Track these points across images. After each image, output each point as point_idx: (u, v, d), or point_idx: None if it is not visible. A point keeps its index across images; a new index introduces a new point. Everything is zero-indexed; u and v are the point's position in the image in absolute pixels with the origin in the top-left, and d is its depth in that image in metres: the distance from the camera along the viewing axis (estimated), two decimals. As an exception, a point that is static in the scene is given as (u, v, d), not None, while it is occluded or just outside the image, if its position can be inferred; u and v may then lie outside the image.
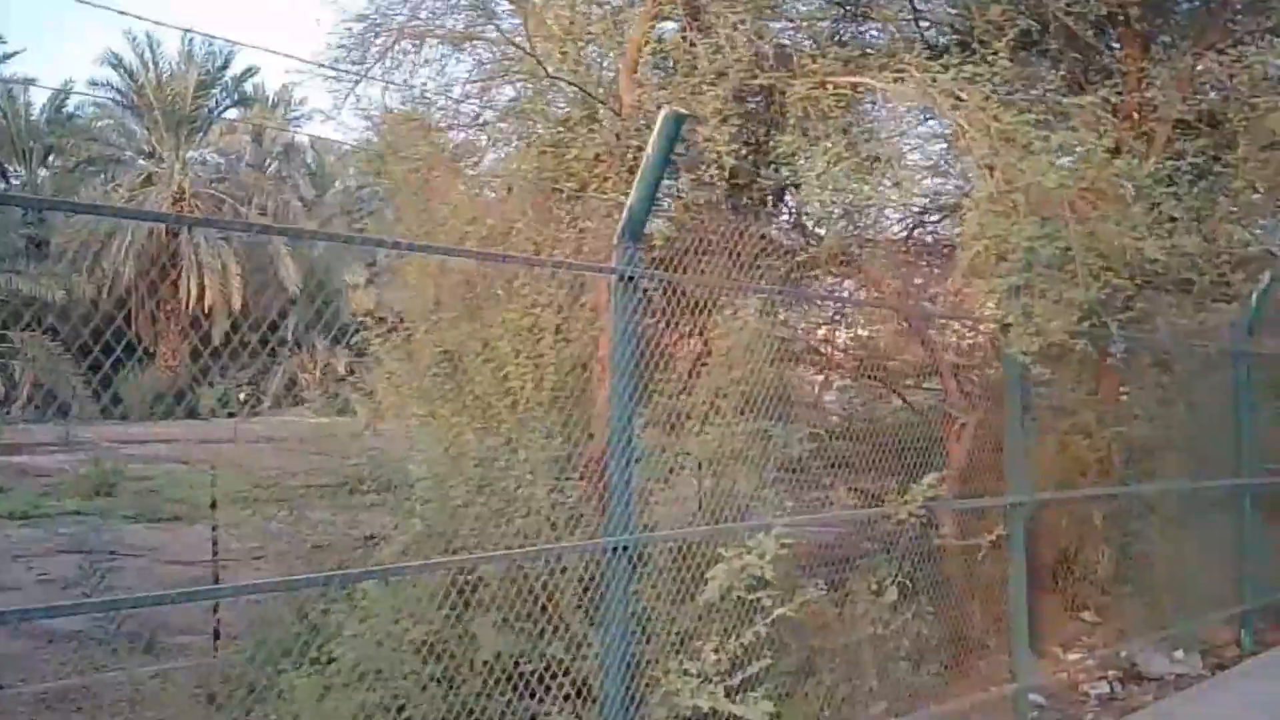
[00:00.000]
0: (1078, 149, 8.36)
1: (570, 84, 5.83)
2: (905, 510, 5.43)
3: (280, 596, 5.74)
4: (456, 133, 6.89)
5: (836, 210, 5.39)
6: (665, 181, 5.72)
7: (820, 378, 8.15)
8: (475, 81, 6.46)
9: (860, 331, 8.22)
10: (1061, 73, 11.14)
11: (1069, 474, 8.89)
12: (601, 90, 6.18)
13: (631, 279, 4.14)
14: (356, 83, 6.41)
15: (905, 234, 8.39)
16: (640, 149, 6.28)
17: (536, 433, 5.97)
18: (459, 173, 6.18)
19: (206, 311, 35.28)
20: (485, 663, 4.96)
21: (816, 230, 6.16)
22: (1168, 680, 8.51)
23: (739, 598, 4.41)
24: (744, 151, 5.83)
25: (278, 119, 40.21)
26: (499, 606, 5.00)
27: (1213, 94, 10.48)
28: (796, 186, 5.42)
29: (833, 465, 7.06)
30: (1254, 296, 8.99)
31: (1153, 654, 8.87)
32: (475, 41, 6.32)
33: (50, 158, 39.80)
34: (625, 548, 4.15)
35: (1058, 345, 6.51)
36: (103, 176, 37.95)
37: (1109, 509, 9.25)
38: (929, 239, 8.47)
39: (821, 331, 8.25)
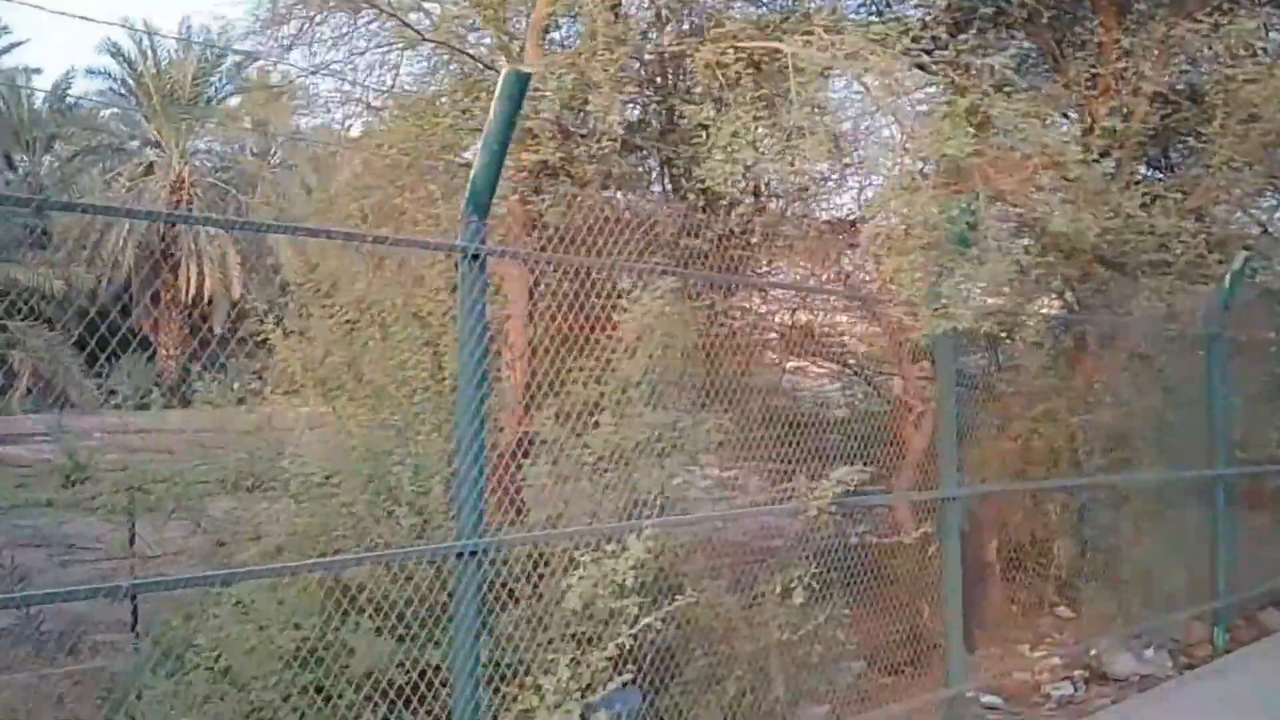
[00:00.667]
0: (1021, 125, 7.97)
1: (462, 53, 5.45)
2: (815, 505, 5.05)
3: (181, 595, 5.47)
4: (349, 107, 6.54)
5: (742, 184, 4.96)
6: (558, 154, 5.36)
7: (769, 364, 7.76)
8: (365, 53, 6.10)
9: (809, 316, 7.82)
10: (1027, 44, 10.78)
11: (1036, 464, 8.50)
12: (504, 63, 5.80)
13: (478, 257, 3.77)
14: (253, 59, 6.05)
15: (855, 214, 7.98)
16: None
17: (427, 425, 5.64)
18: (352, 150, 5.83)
19: (207, 301, 35.04)
20: (366, 673, 4.64)
21: (728, 207, 5.76)
22: (1132, 681, 8.12)
23: (607, 607, 4.05)
24: (652, 123, 5.44)
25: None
26: (378, 612, 4.66)
27: (1190, 67, 10.02)
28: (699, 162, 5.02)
29: (762, 456, 6.71)
30: (1228, 277, 8.53)
31: (1119, 653, 8.48)
32: (376, 11, 5.95)
33: (54, 145, 39.61)
34: (474, 552, 3.80)
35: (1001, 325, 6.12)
36: (101, 166, 37.71)
37: (1077, 501, 8.87)
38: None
39: (778, 317, 7.86)
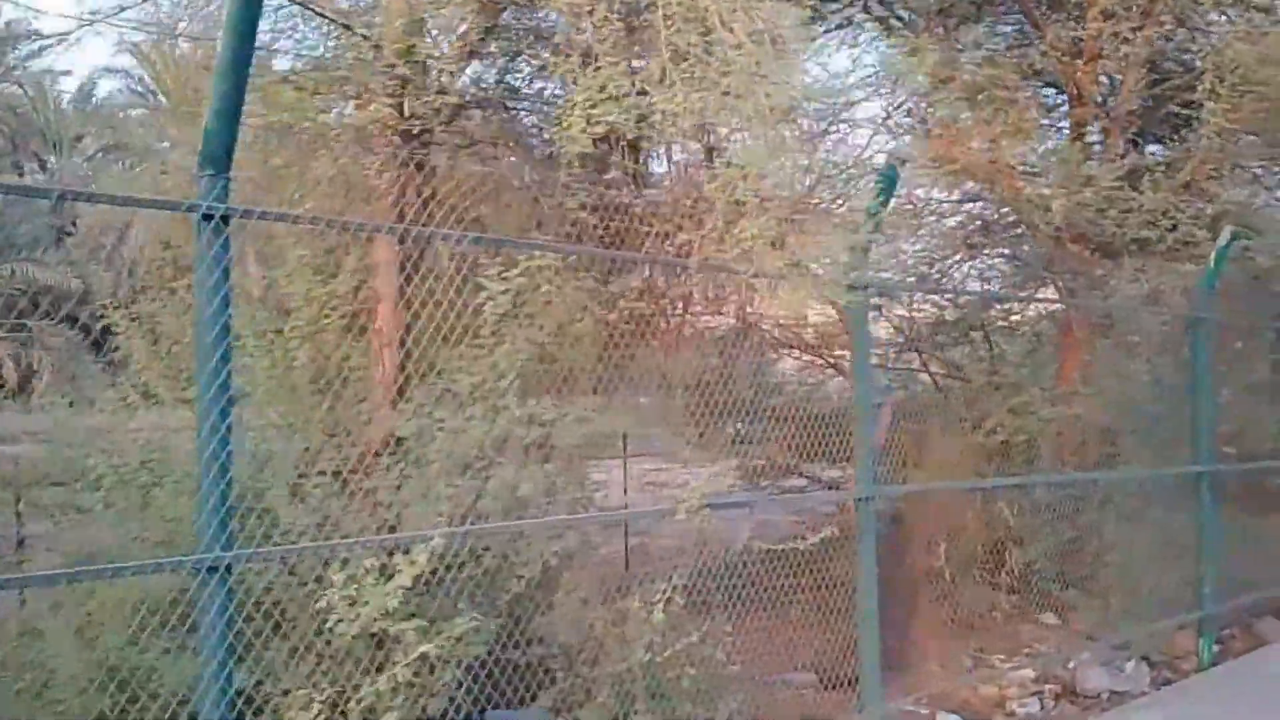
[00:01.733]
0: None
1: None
2: (683, 509, 4.42)
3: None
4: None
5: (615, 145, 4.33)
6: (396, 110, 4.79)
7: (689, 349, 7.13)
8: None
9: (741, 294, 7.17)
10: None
11: (996, 461, 7.80)
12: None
13: (213, 218, 3.20)
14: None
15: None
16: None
17: (268, 420, 5.10)
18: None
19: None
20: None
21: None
22: (1102, 698, 7.42)
23: (381, 630, 3.47)
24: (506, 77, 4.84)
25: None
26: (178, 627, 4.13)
27: (1179, 28, 9.25)
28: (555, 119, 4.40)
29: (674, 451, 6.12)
30: (1213, 255, 7.77)
31: (1091, 667, 7.78)
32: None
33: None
34: (214, 568, 3.23)
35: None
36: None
37: (1047, 500, 8.15)
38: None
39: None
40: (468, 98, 4.66)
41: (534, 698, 4.56)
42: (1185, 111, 9.29)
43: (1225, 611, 8.11)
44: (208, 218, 3.23)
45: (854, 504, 5.43)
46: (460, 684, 4.40)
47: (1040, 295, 9.62)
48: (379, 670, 3.52)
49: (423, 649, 3.49)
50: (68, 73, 39.06)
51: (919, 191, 9.36)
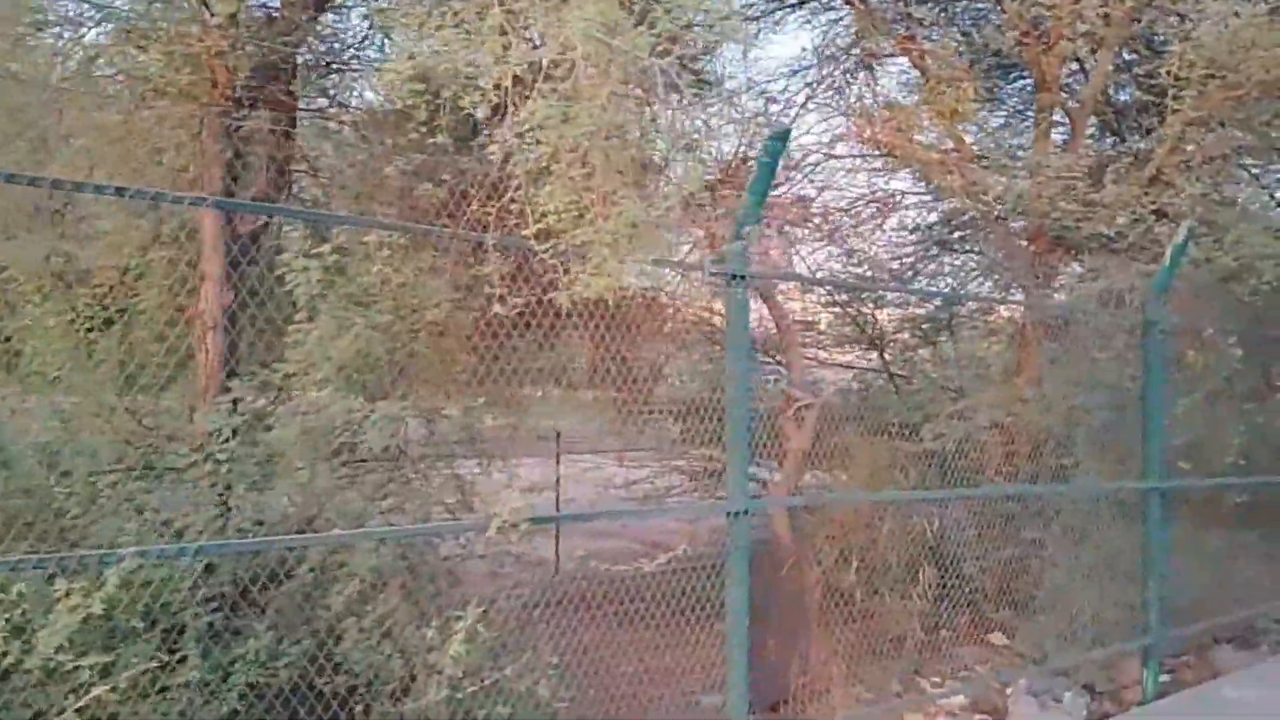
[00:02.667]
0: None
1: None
2: (496, 526, 3.82)
3: None
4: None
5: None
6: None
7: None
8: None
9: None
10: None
11: (945, 469, 7.18)
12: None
13: None
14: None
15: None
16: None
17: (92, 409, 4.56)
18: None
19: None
20: None
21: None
22: (1030, 732, 6.83)
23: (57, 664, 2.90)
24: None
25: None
26: None
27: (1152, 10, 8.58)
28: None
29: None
30: (1169, 253, 7.14)
31: (1023, 696, 7.18)
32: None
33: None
34: None
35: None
36: None
37: (987, 514, 7.54)
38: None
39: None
40: (305, 59, 4.08)
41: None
42: (1155, 100, 8.67)
43: (1172, 639, 7.49)
44: None
45: (726, 519, 4.83)
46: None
47: (992, 295, 8.99)
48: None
49: (96, 692, 2.90)
50: None
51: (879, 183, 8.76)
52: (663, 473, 9.14)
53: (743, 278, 4.81)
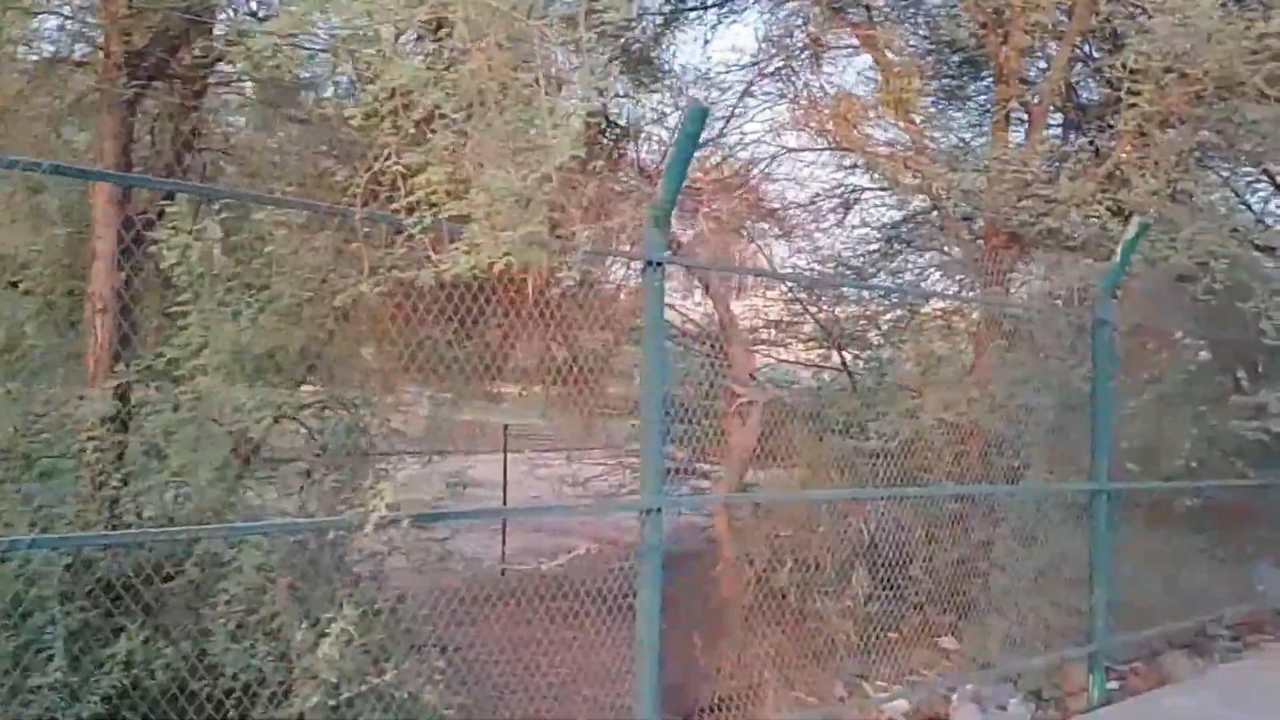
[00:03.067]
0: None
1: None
2: (372, 523, 3.59)
3: None
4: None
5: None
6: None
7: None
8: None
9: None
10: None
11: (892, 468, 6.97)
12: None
13: None
14: None
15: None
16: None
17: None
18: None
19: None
20: None
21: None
22: (970, 740, 6.64)
23: None
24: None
25: None
26: None
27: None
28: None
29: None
30: (1119, 249, 6.95)
31: (966, 703, 7.00)
32: None
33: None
34: None
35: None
36: None
37: (934, 515, 7.35)
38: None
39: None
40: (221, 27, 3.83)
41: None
42: (1118, 95, 8.48)
43: (1121, 645, 7.32)
44: None
45: (639, 517, 4.60)
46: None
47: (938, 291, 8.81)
48: None
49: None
50: None
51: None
52: (616, 469, 8.95)
53: (658, 264, 4.59)
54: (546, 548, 9.40)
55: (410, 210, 3.09)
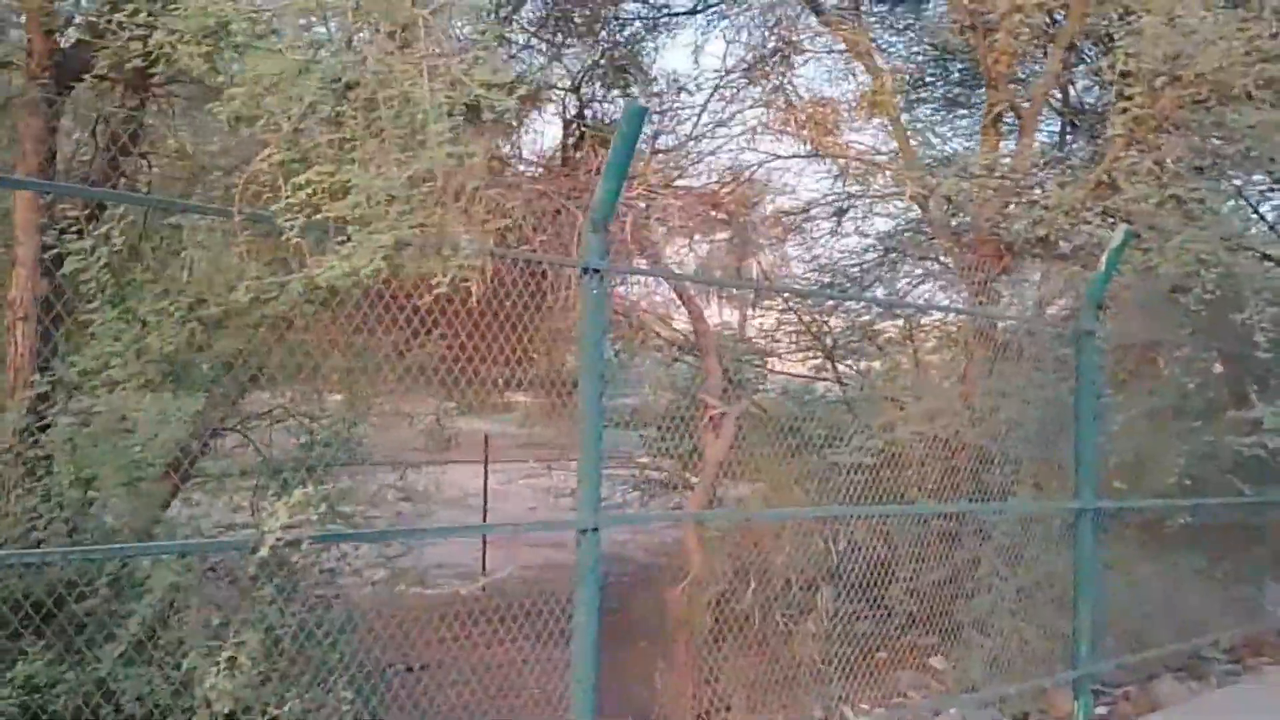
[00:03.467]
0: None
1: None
2: (272, 539, 3.39)
3: None
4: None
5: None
6: None
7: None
8: None
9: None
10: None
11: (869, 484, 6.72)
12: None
13: None
14: None
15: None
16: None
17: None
18: None
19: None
20: None
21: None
22: (945, 769, 6.38)
23: None
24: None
25: None
26: None
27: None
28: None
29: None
30: (1104, 259, 6.69)
31: (945, 728, 6.74)
32: None
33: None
34: None
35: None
36: None
37: (915, 533, 7.09)
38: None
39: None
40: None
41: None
42: (1112, 100, 8.22)
43: (1106, 670, 7.03)
44: None
45: (576, 537, 4.39)
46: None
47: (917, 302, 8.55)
48: None
49: None
50: None
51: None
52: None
53: (597, 271, 4.38)
54: (530, 559, 9.25)
55: (293, 212, 2.90)
